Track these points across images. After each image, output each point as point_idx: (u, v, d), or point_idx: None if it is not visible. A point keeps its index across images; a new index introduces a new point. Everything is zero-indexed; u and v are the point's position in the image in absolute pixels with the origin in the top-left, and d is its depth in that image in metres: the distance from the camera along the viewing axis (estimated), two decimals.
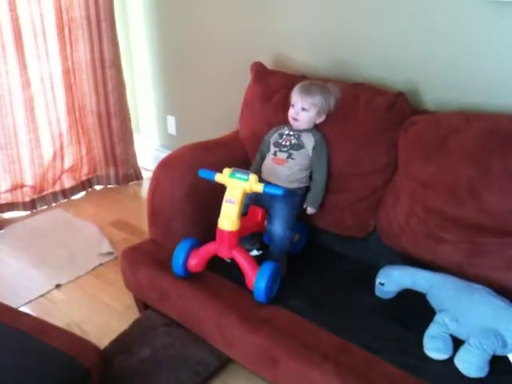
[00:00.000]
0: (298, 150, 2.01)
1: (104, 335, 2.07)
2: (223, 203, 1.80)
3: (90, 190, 3.41)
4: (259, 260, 1.84)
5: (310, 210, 2.02)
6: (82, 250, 2.73)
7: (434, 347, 1.55)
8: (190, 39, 3.00)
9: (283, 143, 2.04)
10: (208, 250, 1.85)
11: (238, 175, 1.79)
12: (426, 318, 1.62)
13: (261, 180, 1.91)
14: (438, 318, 1.60)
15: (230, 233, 1.78)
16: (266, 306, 1.78)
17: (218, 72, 2.93)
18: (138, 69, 3.43)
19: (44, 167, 3.13)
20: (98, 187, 3.44)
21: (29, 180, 3.08)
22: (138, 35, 3.32)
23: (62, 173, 3.24)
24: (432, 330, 1.58)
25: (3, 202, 3.02)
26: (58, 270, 2.56)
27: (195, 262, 1.86)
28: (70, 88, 3.13)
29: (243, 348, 1.74)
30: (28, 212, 3.11)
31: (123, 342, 2.00)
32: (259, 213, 1.98)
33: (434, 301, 1.65)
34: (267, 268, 1.75)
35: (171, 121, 3.35)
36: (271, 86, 2.24)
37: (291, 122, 2.04)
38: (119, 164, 3.37)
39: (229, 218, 1.78)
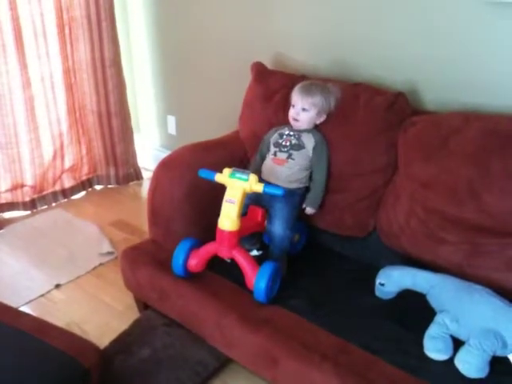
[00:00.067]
0: (298, 150, 2.01)
1: (104, 335, 2.07)
2: (223, 203, 1.80)
3: (90, 189, 3.41)
4: (259, 260, 1.84)
5: (309, 211, 2.02)
6: (82, 249, 2.73)
7: (434, 348, 1.55)
8: (190, 39, 3.00)
9: (283, 143, 2.04)
10: (208, 250, 1.85)
11: (237, 175, 1.79)
12: (426, 318, 1.62)
13: (261, 180, 1.91)
14: (438, 318, 1.60)
15: (230, 233, 1.78)
16: (266, 306, 1.78)
17: (218, 72, 2.93)
18: (139, 68, 3.43)
19: (44, 167, 3.13)
20: (98, 187, 3.44)
21: (29, 180, 3.08)
22: (138, 34, 3.32)
23: (62, 172, 3.24)
24: (432, 331, 1.58)
25: (3, 201, 3.02)
26: (58, 270, 2.56)
27: (195, 262, 1.86)
28: (70, 87, 3.13)
29: (243, 348, 1.74)
30: (28, 212, 3.11)
31: (123, 342, 2.00)
32: (259, 213, 1.98)
33: (434, 301, 1.65)
34: (267, 268, 1.75)
35: (171, 121, 3.35)
36: (271, 86, 2.24)
37: (291, 122, 2.04)
38: (119, 164, 3.37)
39: (229, 218, 1.78)
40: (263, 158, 2.12)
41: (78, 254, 2.70)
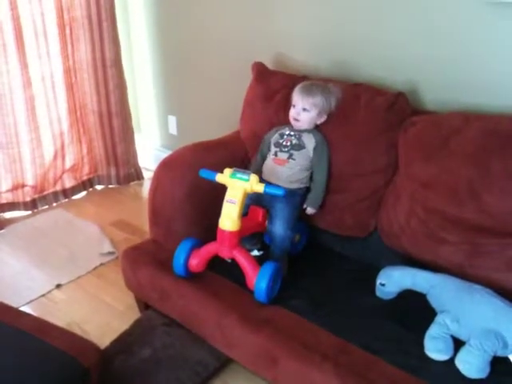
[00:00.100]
0: (298, 150, 2.01)
1: (105, 335, 2.07)
2: (224, 203, 1.80)
3: (90, 189, 3.41)
4: (260, 260, 1.84)
5: (309, 211, 2.02)
6: (83, 249, 2.73)
7: (435, 348, 1.55)
8: (191, 39, 3.00)
9: (284, 143, 2.04)
10: (209, 250, 1.85)
11: (238, 175, 1.79)
12: (426, 318, 1.62)
13: (261, 180, 1.91)
14: (438, 318, 1.60)
15: (231, 233, 1.78)
16: (266, 306, 1.78)
17: (219, 72, 2.93)
18: (139, 68, 3.43)
19: (45, 167, 3.13)
20: (98, 187, 3.45)
21: (30, 180, 3.08)
22: (139, 34, 3.33)
23: (62, 172, 3.24)
24: (433, 331, 1.58)
25: (4, 201, 3.02)
26: (59, 270, 2.56)
27: (196, 262, 1.86)
28: (71, 87, 3.13)
29: (244, 348, 1.74)
30: (29, 212, 3.11)
31: (124, 342, 2.00)
32: (260, 213, 1.98)
33: (434, 301, 1.65)
34: (268, 268, 1.75)
35: (172, 121, 3.35)
36: (272, 86, 2.24)
37: (292, 122, 2.04)
38: (120, 164, 3.38)
39: (230, 218, 1.78)
40: (264, 158, 2.12)
41: (79, 253, 2.70)
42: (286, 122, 2.10)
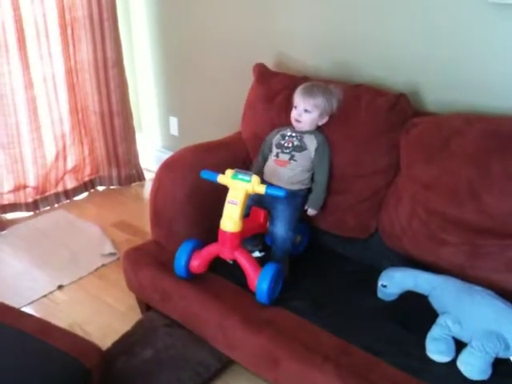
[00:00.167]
0: (300, 151, 2.01)
1: (106, 336, 2.08)
2: (225, 204, 1.80)
3: (92, 190, 3.41)
4: (261, 261, 1.84)
5: (310, 212, 2.02)
6: (85, 250, 2.73)
7: (437, 349, 1.55)
8: (192, 39, 3.00)
9: (285, 145, 2.04)
10: (210, 251, 1.85)
11: (240, 176, 1.79)
12: (428, 320, 1.62)
13: (263, 181, 1.90)
14: (440, 320, 1.59)
15: (232, 234, 1.78)
16: (268, 307, 1.78)
17: (220, 72, 2.93)
18: (141, 68, 3.44)
19: (47, 168, 3.13)
20: (100, 188, 3.45)
21: (31, 181, 3.08)
22: (140, 35, 3.33)
23: (64, 173, 3.24)
24: (434, 332, 1.58)
25: (6, 202, 3.03)
26: (61, 271, 2.56)
27: (197, 263, 1.86)
28: (72, 88, 3.13)
29: (245, 349, 1.74)
30: (31, 213, 3.11)
31: (126, 343, 2.00)
32: (261, 214, 1.98)
33: (436, 303, 1.65)
34: (269, 269, 1.75)
35: (173, 122, 3.35)
36: (273, 88, 2.24)
37: (293, 123, 2.04)
38: (122, 165, 3.38)
39: (231, 220, 1.78)
40: (265, 160, 2.12)
41: (81, 255, 2.70)
42: (288, 124, 2.09)
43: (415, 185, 1.87)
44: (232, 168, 1.82)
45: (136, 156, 3.45)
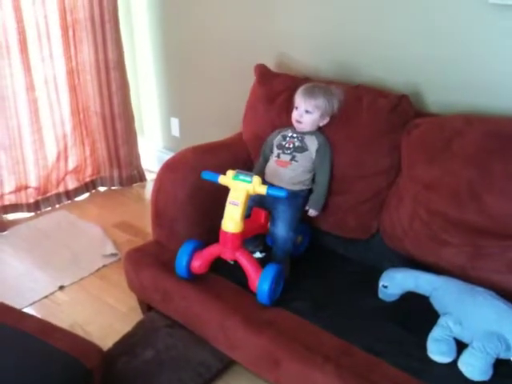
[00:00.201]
0: (301, 152, 2.01)
1: (108, 337, 2.08)
2: (227, 205, 1.80)
3: (93, 191, 3.41)
4: (262, 262, 1.84)
5: (311, 212, 2.02)
6: (86, 251, 2.73)
7: (438, 350, 1.55)
8: (193, 40, 3.01)
9: (287, 145, 2.04)
10: (211, 251, 1.86)
11: (241, 177, 1.79)
12: (429, 320, 1.62)
13: (264, 182, 1.90)
14: (441, 320, 1.59)
15: (234, 235, 1.78)
16: (269, 308, 1.78)
17: (221, 73, 2.94)
18: (142, 70, 3.44)
19: (48, 168, 3.14)
20: (101, 189, 3.45)
21: (33, 181, 3.09)
22: (142, 36, 3.33)
23: (65, 174, 3.25)
24: (436, 333, 1.58)
25: (7, 203, 3.03)
26: (62, 272, 2.56)
27: (198, 263, 1.86)
28: (74, 89, 3.14)
29: (246, 350, 1.74)
30: (32, 213, 3.11)
31: (127, 344, 2.01)
32: (262, 215, 1.98)
33: (437, 304, 1.65)
34: (270, 270, 1.75)
35: (175, 123, 3.35)
36: (275, 88, 2.25)
37: (295, 124, 2.05)
38: (123, 165, 3.38)
39: (232, 220, 1.78)
40: (266, 160, 2.12)
41: (82, 255, 2.70)
42: (289, 124, 2.10)
43: (416, 185, 1.87)
44: (233, 169, 1.83)
45: (137, 157, 3.45)
